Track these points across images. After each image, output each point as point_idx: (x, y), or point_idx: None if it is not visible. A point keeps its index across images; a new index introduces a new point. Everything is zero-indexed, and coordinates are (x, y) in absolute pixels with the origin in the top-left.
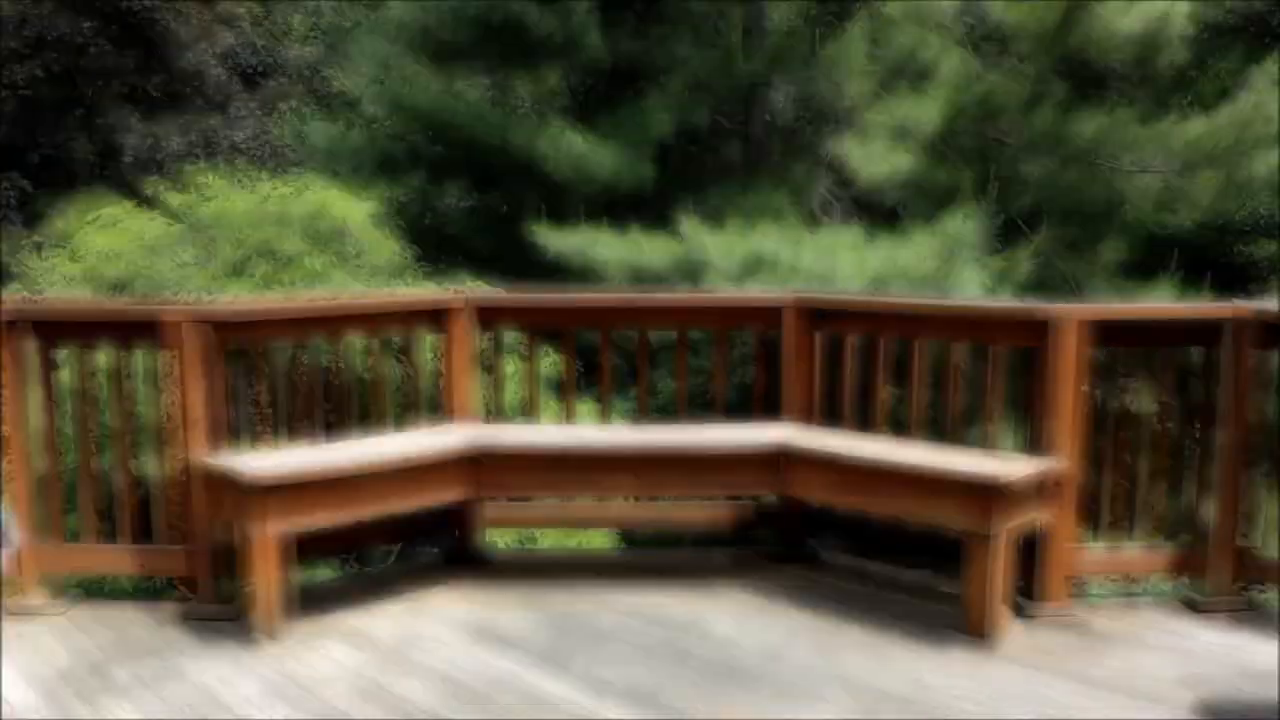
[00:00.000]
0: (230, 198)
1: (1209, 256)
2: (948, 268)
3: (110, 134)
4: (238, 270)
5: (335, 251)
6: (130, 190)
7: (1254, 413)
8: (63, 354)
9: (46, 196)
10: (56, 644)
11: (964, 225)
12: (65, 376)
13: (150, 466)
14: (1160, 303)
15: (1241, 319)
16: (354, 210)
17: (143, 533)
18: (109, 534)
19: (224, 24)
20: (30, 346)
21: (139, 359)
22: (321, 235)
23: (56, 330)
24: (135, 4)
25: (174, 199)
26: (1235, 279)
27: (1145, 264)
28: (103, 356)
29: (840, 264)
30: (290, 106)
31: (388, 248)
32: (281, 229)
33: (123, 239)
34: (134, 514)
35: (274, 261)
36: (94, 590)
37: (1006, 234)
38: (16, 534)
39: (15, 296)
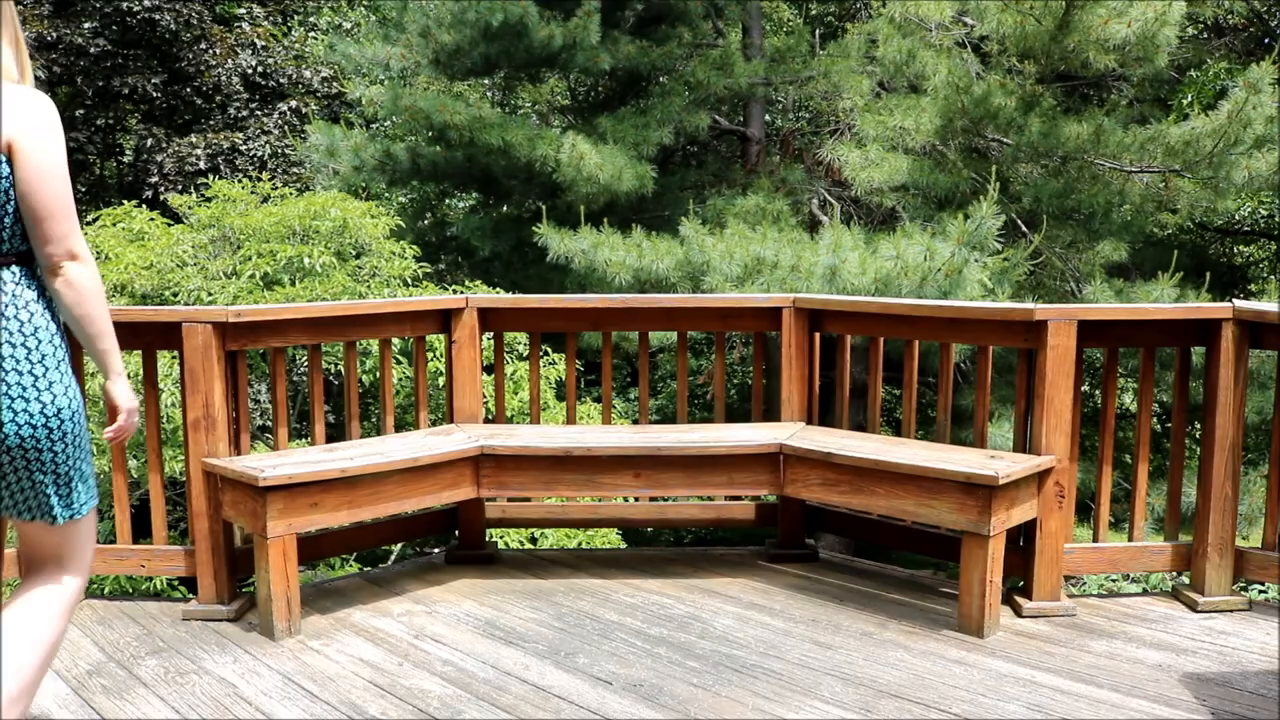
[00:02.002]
0: (251, 214)
1: (1209, 256)
2: (948, 268)
3: (112, 135)
4: (268, 284)
5: (356, 265)
6: (148, 199)
7: (1251, 412)
8: None
9: None
10: (82, 639)
11: (963, 226)
12: None
13: (155, 468)
14: (1159, 303)
15: (1238, 319)
16: (373, 226)
17: (145, 533)
18: (109, 535)
19: (244, 46)
20: None
21: (138, 363)
22: (344, 249)
23: None
24: (158, 19)
25: (201, 212)
26: (1235, 279)
27: (1144, 264)
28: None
29: (841, 266)
30: (306, 118)
31: (405, 264)
32: (309, 243)
33: (152, 252)
34: (164, 514)
35: (304, 275)
36: (99, 590)
37: (1005, 234)
38: None
39: None
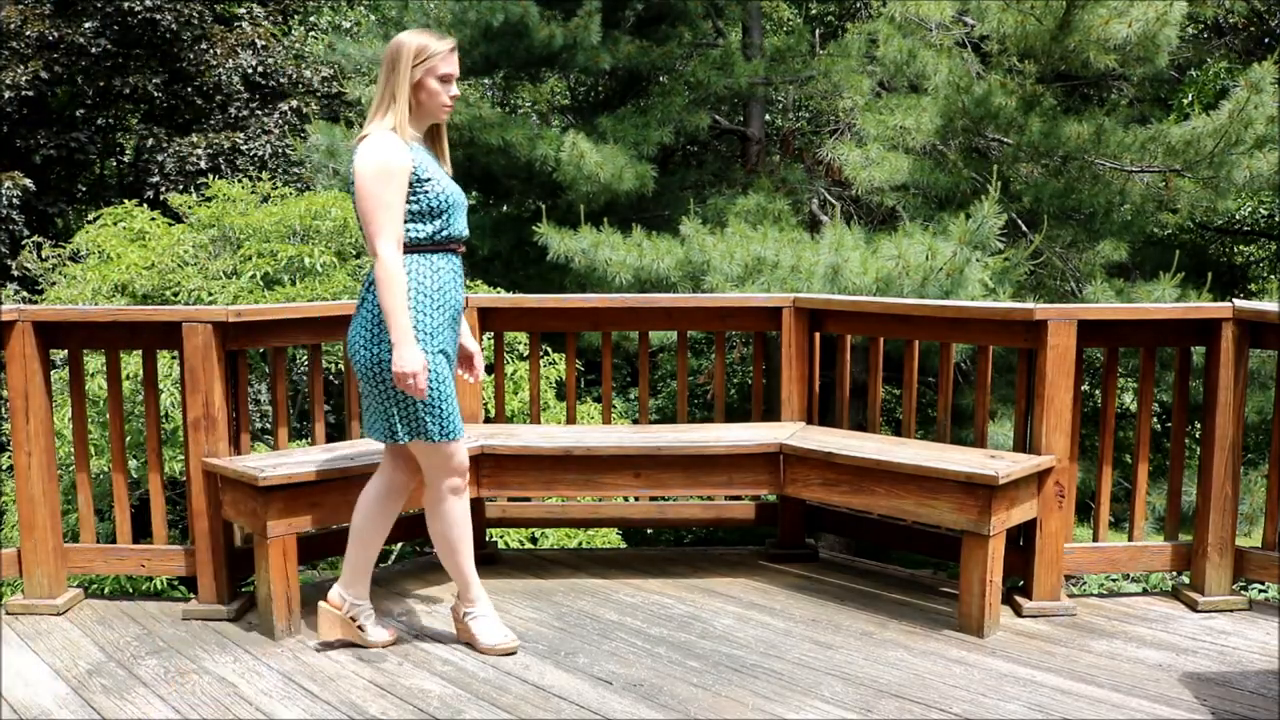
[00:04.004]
0: (252, 213)
1: (1209, 256)
2: (950, 268)
3: (112, 135)
4: (269, 283)
5: (357, 264)
6: (149, 199)
7: (1251, 412)
8: (60, 356)
9: (49, 197)
10: (82, 638)
11: (965, 226)
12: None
13: (155, 468)
14: (1159, 302)
15: (1238, 319)
16: None
17: (145, 533)
18: (109, 535)
19: (245, 46)
20: (32, 348)
21: (138, 363)
22: (345, 249)
23: (81, 335)
24: (159, 19)
25: (201, 211)
26: (1236, 279)
27: (1145, 264)
28: (98, 361)
29: (843, 265)
30: (306, 118)
31: None
32: (309, 243)
33: (153, 251)
34: (164, 514)
35: (305, 275)
36: (99, 590)
37: (1005, 234)
38: None
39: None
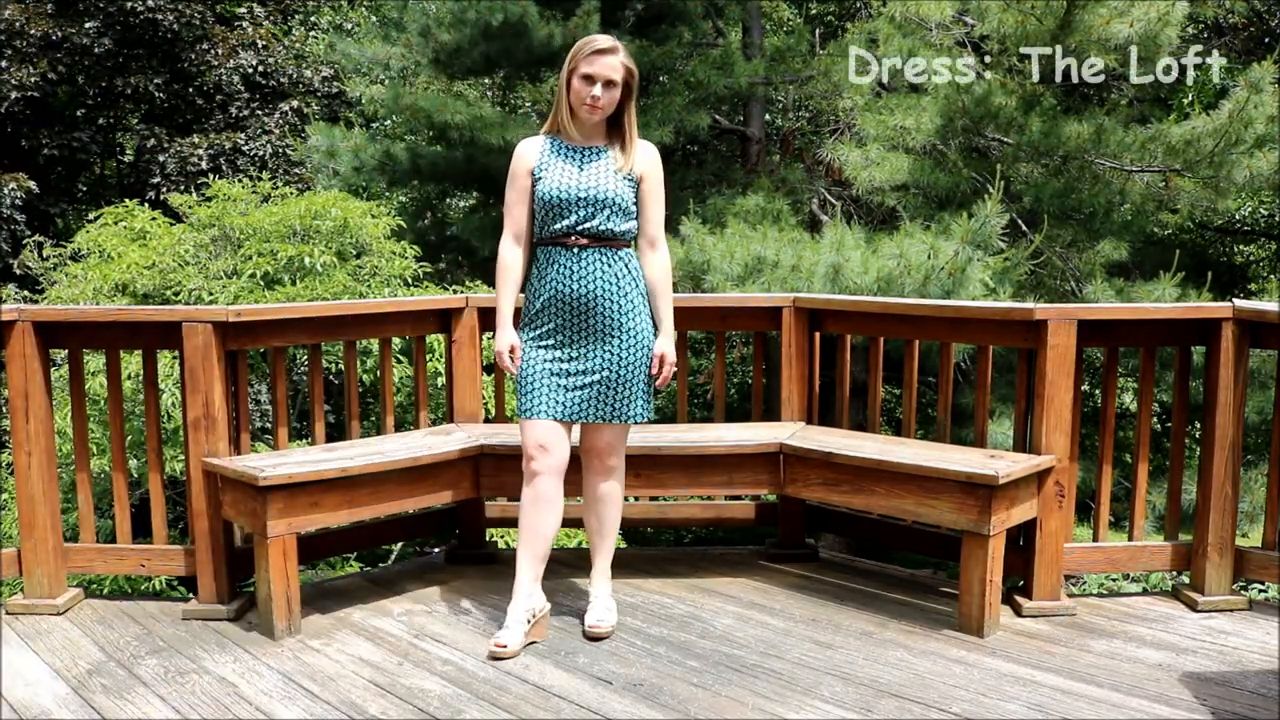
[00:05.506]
0: (252, 213)
1: (1209, 256)
2: (952, 267)
3: (113, 135)
4: (269, 283)
5: (357, 264)
6: (150, 200)
7: (1251, 411)
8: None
9: (50, 197)
10: (82, 638)
11: (968, 225)
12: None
13: (155, 468)
14: (1159, 302)
15: (1238, 319)
16: (373, 225)
17: (145, 532)
18: (109, 535)
19: (246, 46)
20: (33, 348)
21: (138, 363)
22: (345, 249)
23: (81, 335)
24: (160, 19)
25: (201, 211)
26: (1236, 278)
27: (1145, 263)
28: (99, 361)
29: (844, 265)
30: (307, 118)
31: (405, 263)
32: (310, 243)
33: (153, 251)
34: (164, 514)
35: (305, 275)
36: (99, 590)
37: (1006, 234)
38: None
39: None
